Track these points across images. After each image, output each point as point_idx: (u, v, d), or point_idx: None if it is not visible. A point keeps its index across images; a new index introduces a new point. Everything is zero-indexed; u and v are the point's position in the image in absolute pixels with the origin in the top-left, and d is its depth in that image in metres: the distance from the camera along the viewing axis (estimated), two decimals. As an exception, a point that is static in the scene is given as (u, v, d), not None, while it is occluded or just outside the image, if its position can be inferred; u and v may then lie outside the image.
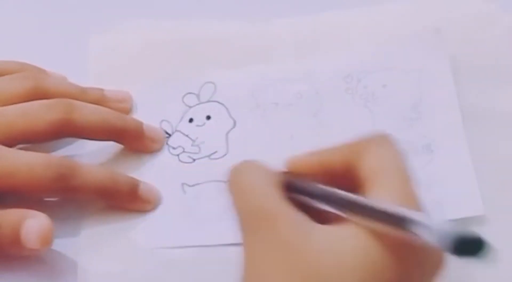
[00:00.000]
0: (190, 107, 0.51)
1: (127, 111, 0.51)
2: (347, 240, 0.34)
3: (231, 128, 0.50)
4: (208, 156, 0.49)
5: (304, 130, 0.49)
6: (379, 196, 0.36)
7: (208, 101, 0.51)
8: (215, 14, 0.55)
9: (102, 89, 0.50)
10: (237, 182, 0.40)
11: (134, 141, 0.49)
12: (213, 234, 0.47)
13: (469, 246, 0.29)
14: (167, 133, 0.51)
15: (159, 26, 0.55)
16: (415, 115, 0.48)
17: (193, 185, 0.48)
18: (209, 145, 0.50)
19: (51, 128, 0.46)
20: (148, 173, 0.49)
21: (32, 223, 0.43)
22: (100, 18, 0.56)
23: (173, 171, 0.49)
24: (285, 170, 0.41)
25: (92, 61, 0.54)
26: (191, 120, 0.51)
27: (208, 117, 0.51)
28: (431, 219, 0.31)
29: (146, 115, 0.51)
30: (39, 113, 0.46)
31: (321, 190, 0.38)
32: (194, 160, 0.50)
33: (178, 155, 0.50)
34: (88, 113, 0.47)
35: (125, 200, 0.47)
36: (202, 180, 0.49)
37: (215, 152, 0.50)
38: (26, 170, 0.44)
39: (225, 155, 0.49)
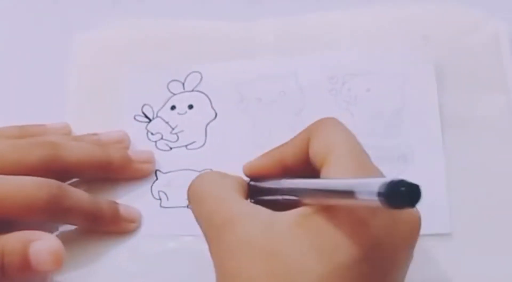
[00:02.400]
0: (174, 94, 0.51)
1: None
2: (299, 225, 0.35)
3: (212, 120, 0.50)
4: (185, 146, 0.49)
5: (284, 128, 0.49)
6: (330, 175, 0.37)
7: (193, 90, 0.51)
8: (202, 13, 0.55)
9: (96, 134, 0.50)
10: (196, 190, 0.41)
11: (122, 170, 0.48)
12: (181, 222, 0.47)
13: (404, 196, 0.30)
14: (147, 117, 0.51)
15: (143, 24, 0.55)
16: (396, 123, 0.48)
17: (166, 172, 0.48)
18: (187, 134, 0.50)
19: (41, 163, 0.45)
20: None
21: (41, 245, 0.42)
22: (85, 16, 0.56)
23: None
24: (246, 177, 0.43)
25: (76, 59, 0.54)
26: (173, 107, 0.51)
27: (191, 107, 0.51)
28: (368, 181, 0.32)
29: (129, 98, 0.52)
30: (30, 149, 0.45)
31: (275, 185, 0.40)
32: (171, 148, 0.49)
33: (155, 142, 0.50)
34: (73, 149, 0.46)
35: (109, 222, 0.46)
36: (176, 168, 0.48)
37: (193, 142, 0.49)
38: (19, 192, 0.43)
39: (202, 146, 0.49)
